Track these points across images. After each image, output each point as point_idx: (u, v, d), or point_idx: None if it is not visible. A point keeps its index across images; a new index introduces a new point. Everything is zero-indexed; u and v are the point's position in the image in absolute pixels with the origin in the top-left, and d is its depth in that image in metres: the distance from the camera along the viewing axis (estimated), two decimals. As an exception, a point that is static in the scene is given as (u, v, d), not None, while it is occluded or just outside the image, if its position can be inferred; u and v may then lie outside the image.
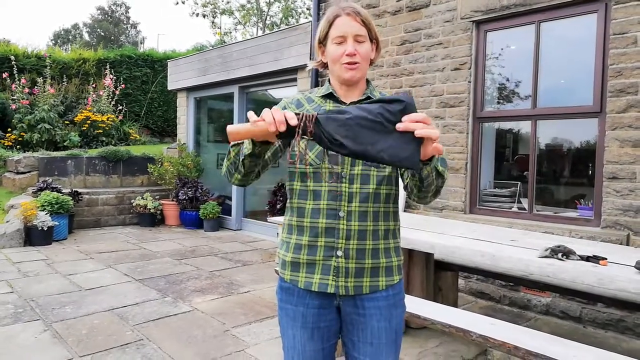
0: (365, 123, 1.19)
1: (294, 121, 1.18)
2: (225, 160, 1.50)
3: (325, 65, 1.61)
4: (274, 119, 1.18)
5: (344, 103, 1.56)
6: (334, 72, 1.57)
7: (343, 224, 1.48)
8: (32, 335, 3.46)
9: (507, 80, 4.70)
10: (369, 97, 1.57)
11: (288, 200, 1.60)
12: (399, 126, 1.19)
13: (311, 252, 1.51)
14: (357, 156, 1.22)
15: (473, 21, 4.62)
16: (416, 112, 1.22)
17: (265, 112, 1.20)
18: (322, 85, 5.84)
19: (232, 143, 1.44)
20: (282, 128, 1.18)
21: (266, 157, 1.43)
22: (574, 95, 4.19)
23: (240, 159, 1.40)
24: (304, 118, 1.19)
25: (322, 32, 1.56)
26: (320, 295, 1.52)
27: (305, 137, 1.21)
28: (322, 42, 1.58)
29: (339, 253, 1.49)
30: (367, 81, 1.61)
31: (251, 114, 1.23)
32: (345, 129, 1.19)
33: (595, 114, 3.90)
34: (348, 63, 1.50)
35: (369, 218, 1.49)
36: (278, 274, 1.65)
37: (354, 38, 1.50)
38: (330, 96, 1.59)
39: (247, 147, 1.35)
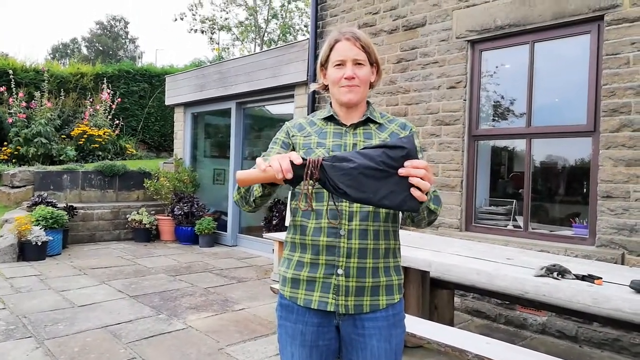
0: (368, 172, 1.26)
1: (299, 160, 1.25)
2: (236, 193, 1.56)
3: (327, 88, 1.67)
4: (281, 167, 1.24)
5: (345, 125, 1.61)
6: (334, 95, 1.62)
7: (344, 242, 1.50)
8: (23, 352, 3.41)
9: (502, 98, 4.75)
10: (369, 119, 1.62)
11: (291, 218, 1.63)
12: (401, 171, 1.26)
13: (312, 270, 1.53)
14: (361, 203, 1.30)
15: (468, 40, 4.69)
16: (417, 157, 1.29)
17: (273, 159, 1.26)
18: (318, 103, 5.84)
19: None
20: (289, 176, 1.24)
21: (275, 192, 1.49)
22: (568, 114, 4.24)
23: (251, 199, 1.48)
24: (310, 164, 1.25)
25: (323, 55, 1.62)
26: (319, 313, 1.53)
27: (311, 181, 1.27)
28: (324, 65, 1.63)
29: (340, 271, 1.50)
30: (368, 103, 1.66)
31: (259, 161, 1.29)
32: (349, 178, 1.25)
33: (589, 133, 3.94)
34: (347, 85, 1.55)
35: (370, 237, 1.51)
36: (274, 292, 1.66)
37: (353, 62, 1.55)
38: (331, 119, 1.63)
39: (257, 190, 1.44)
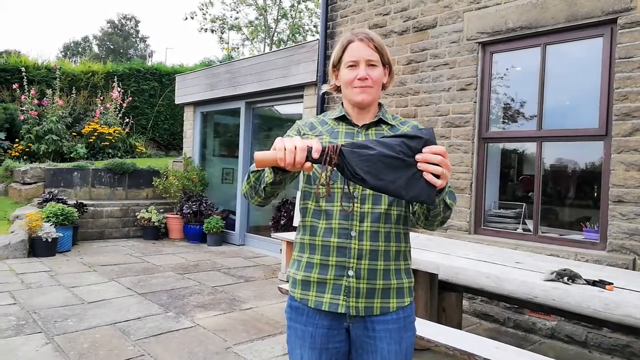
0: (387, 160, 1.25)
1: (316, 155, 1.24)
2: (245, 183, 1.54)
3: (338, 89, 1.66)
4: (294, 161, 1.23)
5: (357, 126, 1.60)
6: (346, 95, 1.61)
7: (355, 244, 1.49)
8: (33, 348, 3.45)
9: (513, 100, 4.72)
10: (380, 120, 1.61)
11: (301, 219, 1.62)
12: (418, 157, 1.26)
13: (322, 271, 1.52)
14: (377, 190, 1.28)
15: (479, 42, 4.67)
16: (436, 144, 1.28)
17: (289, 152, 1.23)
18: (327, 104, 5.84)
19: (251, 169, 1.49)
20: (298, 168, 1.25)
21: (286, 182, 1.46)
22: (579, 117, 4.20)
23: (262, 187, 1.45)
24: (329, 150, 1.25)
25: (336, 56, 1.62)
26: (330, 315, 1.53)
27: (329, 166, 1.26)
28: (336, 66, 1.63)
29: (350, 273, 1.50)
30: (380, 104, 1.65)
31: (278, 142, 1.27)
32: (368, 164, 1.25)
33: (601, 137, 3.90)
34: (360, 86, 1.54)
35: (381, 238, 1.51)
36: (282, 291, 1.67)
37: (366, 63, 1.55)
38: (343, 119, 1.63)
39: (268, 176, 1.40)
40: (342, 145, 1.27)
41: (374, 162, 1.24)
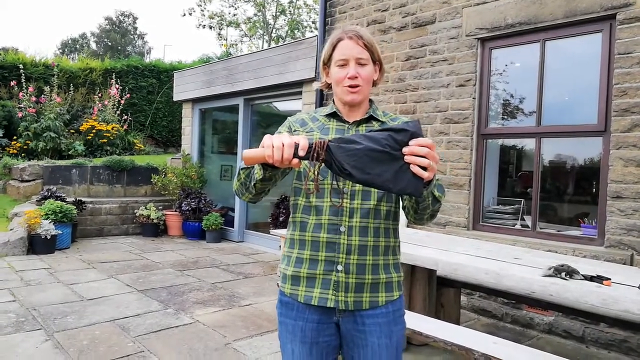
0: (373, 154, 1.26)
1: (302, 152, 1.25)
2: (236, 180, 1.55)
3: (329, 86, 1.67)
4: (282, 158, 1.25)
5: (347, 122, 1.61)
6: (337, 94, 1.62)
7: (344, 239, 1.51)
8: (33, 345, 3.45)
9: (512, 97, 4.72)
10: (371, 117, 1.62)
11: (291, 215, 1.63)
12: (405, 150, 1.26)
13: (312, 266, 1.54)
14: (364, 184, 1.29)
15: (478, 38, 4.66)
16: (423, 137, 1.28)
17: (277, 149, 1.25)
18: (326, 99, 5.83)
19: (241, 166, 1.49)
20: (286, 164, 1.26)
21: (276, 178, 1.47)
22: (578, 113, 4.21)
23: (252, 183, 1.46)
24: (316, 146, 1.26)
25: (326, 54, 1.62)
26: (319, 310, 1.54)
27: (317, 162, 1.27)
28: (327, 64, 1.63)
29: (339, 268, 1.51)
30: (370, 100, 1.66)
31: (266, 139, 1.28)
32: (354, 159, 1.25)
33: (600, 132, 3.91)
34: (349, 86, 1.55)
35: (370, 234, 1.52)
36: (279, 288, 1.68)
37: (356, 61, 1.55)
38: (334, 115, 1.64)
39: (257, 173, 1.42)
40: (329, 140, 1.27)
41: (361, 157, 1.25)
